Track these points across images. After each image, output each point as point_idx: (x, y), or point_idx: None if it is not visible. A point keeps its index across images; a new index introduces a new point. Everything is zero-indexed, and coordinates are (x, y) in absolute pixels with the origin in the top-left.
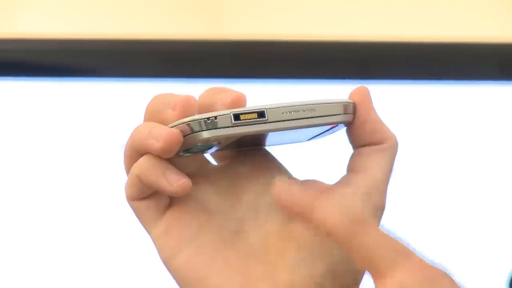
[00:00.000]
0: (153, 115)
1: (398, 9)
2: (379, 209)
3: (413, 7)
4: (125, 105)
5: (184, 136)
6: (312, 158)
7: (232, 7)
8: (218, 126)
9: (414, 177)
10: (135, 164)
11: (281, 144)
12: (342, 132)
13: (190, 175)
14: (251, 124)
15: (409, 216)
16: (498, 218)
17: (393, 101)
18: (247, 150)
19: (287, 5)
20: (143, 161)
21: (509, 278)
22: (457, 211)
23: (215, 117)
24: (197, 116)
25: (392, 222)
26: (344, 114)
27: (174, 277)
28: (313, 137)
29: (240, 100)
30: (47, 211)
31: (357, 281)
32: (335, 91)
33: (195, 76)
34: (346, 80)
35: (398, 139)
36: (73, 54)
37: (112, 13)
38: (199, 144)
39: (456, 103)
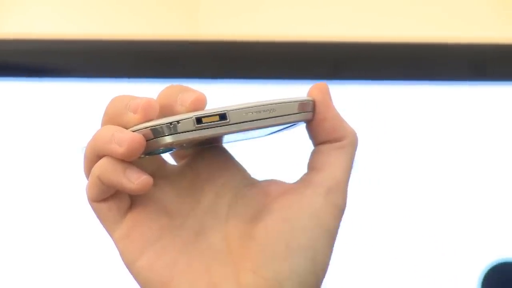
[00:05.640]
0: (113, 117)
1: (370, 9)
2: (340, 208)
3: (384, 8)
4: (99, 106)
5: (146, 141)
6: (271, 156)
7: (208, 7)
8: (181, 130)
9: (383, 176)
10: (95, 165)
11: (240, 140)
12: (302, 128)
13: None
14: (213, 127)
15: (389, 216)
16: (471, 219)
17: (364, 102)
18: (205, 148)
19: (262, 5)
20: (103, 162)
21: (481, 279)
22: (433, 210)
23: (178, 122)
24: (159, 121)
25: (371, 222)
26: (303, 112)
27: (137, 281)
28: (272, 133)
29: (200, 101)
30: (24, 212)
31: (320, 281)
32: (307, 91)
33: (170, 77)
34: (319, 80)
35: (358, 135)
36: (48, 55)
37: (87, 14)
38: (162, 148)
39: (427, 103)
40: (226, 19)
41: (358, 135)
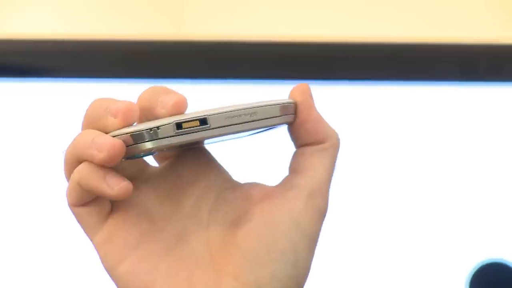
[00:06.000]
0: (93, 121)
1: (356, 9)
2: (322, 212)
3: (371, 8)
4: (84, 106)
5: (126, 146)
6: (253, 157)
7: (194, 7)
8: (161, 136)
9: (369, 177)
10: (75, 170)
11: (222, 141)
12: (283, 130)
13: (130, 179)
14: (194, 132)
15: (375, 217)
16: (456, 219)
17: (351, 102)
18: (187, 150)
19: (247, 6)
20: (83, 167)
21: (469, 279)
22: (420, 212)
23: (158, 127)
24: (139, 127)
25: (356, 223)
26: (285, 115)
27: (118, 286)
28: (254, 133)
29: (181, 104)
30: (5, 213)
31: (301, 286)
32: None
33: (156, 77)
34: (307, 81)
35: (340, 137)
36: (32, 55)
37: (72, 14)
38: (142, 153)
39: (416, 104)
40: (212, 19)
41: (340, 137)
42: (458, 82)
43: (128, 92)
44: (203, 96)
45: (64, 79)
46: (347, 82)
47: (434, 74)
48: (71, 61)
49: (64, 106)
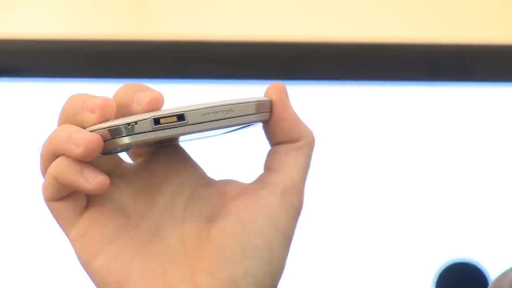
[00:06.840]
0: (70, 116)
1: (323, 9)
2: (297, 209)
3: (337, 8)
4: (51, 106)
5: (104, 141)
6: (227, 155)
7: (158, 6)
8: (138, 131)
9: (336, 177)
10: (51, 165)
11: (197, 139)
12: (258, 128)
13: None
14: (171, 128)
15: (343, 218)
16: (423, 219)
17: (316, 102)
18: (162, 147)
19: (212, 5)
20: (60, 161)
21: (435, 279)
22: (386, 212)
23: (135, 122)
24: (117, 122)
25: (323, 223)
26: (260, 113)
27: (93, 281)
28: (229, 132)
29: (157, 101)
30: None
31: (276, 282)
32: (260, 92)
33: (121, 77)
34: (271, 80)
35: (315, 136)
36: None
37: (38, 14)
38: (119, 148)
39: (380, 103)
40: (177, 19)
41: (315, 135)
42: (425, 82)
43: (93, 92)
44: (167, 96)
45: (28, 79)
46: (313, 82)
47: (401, 73)
48: (35, 61)
49: (32, 106)
